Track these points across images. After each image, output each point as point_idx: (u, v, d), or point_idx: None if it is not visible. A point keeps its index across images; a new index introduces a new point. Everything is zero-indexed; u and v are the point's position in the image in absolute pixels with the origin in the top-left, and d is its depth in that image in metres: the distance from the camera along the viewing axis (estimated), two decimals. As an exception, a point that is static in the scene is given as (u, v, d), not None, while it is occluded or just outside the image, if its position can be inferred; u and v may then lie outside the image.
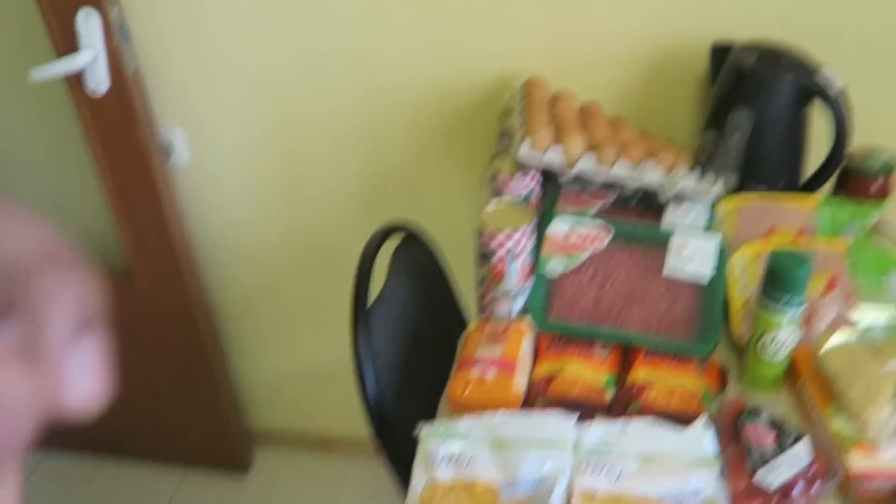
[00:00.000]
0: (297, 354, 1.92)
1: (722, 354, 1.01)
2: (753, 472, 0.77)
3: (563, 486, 0.78)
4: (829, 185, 1.24)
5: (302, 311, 1.84)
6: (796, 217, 1.15)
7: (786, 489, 0.76)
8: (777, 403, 0.85)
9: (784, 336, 0.86)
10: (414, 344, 1.15)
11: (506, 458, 0.81)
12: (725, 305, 1.01)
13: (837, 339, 0.87)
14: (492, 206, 1.08)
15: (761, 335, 0.87)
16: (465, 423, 0.86)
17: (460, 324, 1.33)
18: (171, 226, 1.63)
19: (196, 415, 1.91)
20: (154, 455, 2.05)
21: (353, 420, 1.97)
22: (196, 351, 1.78)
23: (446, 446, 0.83)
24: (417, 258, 1.25)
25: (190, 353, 1.79)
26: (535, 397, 0.92)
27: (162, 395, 1.89)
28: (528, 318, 1.04)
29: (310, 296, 1.80)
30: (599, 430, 0.85)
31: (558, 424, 0.85)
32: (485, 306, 1.07)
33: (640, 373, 0.94)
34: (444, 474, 0.81)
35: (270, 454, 2.10)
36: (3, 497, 0.32)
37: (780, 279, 0.83)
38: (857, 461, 0.77)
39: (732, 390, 0.89)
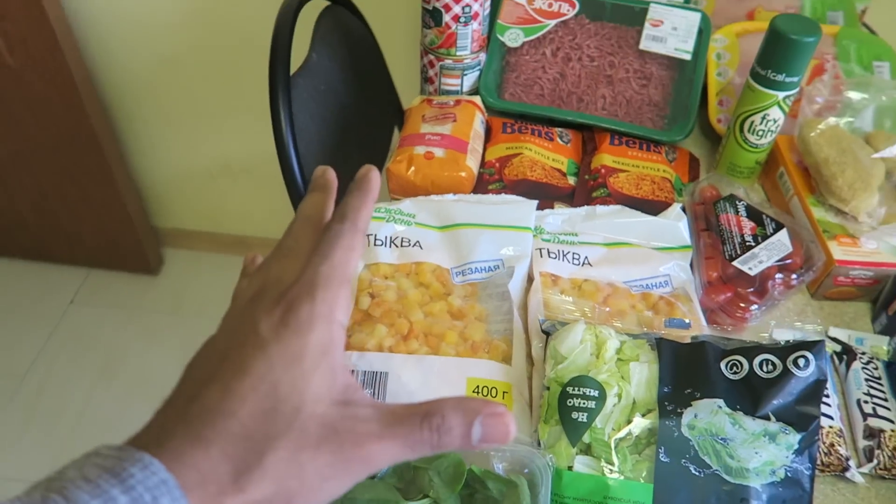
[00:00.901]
0: (207, 150, 1.71)
1: (693, 144, 0.91)
2: (728, 261, 0.70)
3: (523, 270, 0.68)
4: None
5: (210, 102, 1.60)
6: None
7: (762, 280, 0.69)
8: (752, 194, 0.77)
9: (775, 115, 0.76)
10: (344, 124, 0.99)
11: (457, 241, 0.70)
12: (702, 90, 0.89)
13: (826, 124, 0.78)
14: (442, -43, 0.88)
15: (748, 115, 0.77)
16: (409, 204, 0.73)
17: (394, 107, 1.16)
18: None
19: (94, 212, 1.71)
20: (51, 254, 1.85)
21: (270, 219, 1.83)
22: (86, 141, 1.54)
23: (387, 228, 0.71)
24: (345, 27, 1.05)
25: (79, 143, 1.55)
26: (489, 181, 0.80)
27: (50, 189, 1.66)
28: (480, 96, 0.89)
29: (219, 84, 1.56)
30: (563, 213, 0.75)
31: (517, 207, 0.73)
32: (430, 78, 0.91)
33: (606, 159, 0.83)
34: (385, 258, 0.69)
35: (182, 255, 1.96)
36: None
37: (784, 46, 0.71)
38: (840, 249, 0.71)
39: (705, 179, 0.80)
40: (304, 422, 0.29)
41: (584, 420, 0.54)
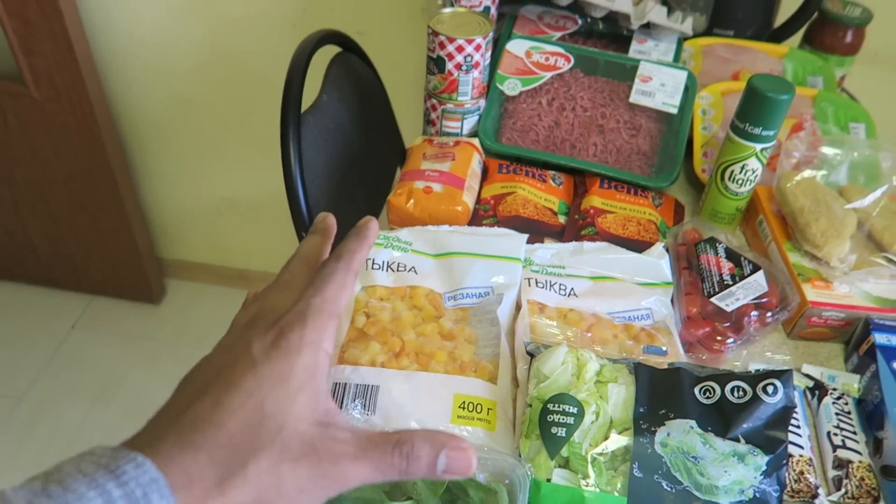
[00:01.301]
0: (216, 185, 1.77)
1: (678, 192, 0.96)
2: (707, 297, 0.74)
3: (512, 297, 0.72)
4: (798, 37, 1.18)
5: (222, 139, 1.67)
6: (764, 63, 1.09)
7: (738, 316, 0.73)
8: (732, 238, 0.81)
9: (753, 166, 0.81)
10: (350, 162, 1.04)
11: (451, 268, 0.74)
12: (687, 142, 0.95)
13: (802, 176, 0.83)
14: (448, 11, 0.95)
15: (729, 164, 0.82)
16: (406, 233, 0.77)
17: (398, 148, 1.22)
18: (70, 26, 1.40)
19: (101, 239, 1.76)
20: (56, 280, 1.89)
21: (273, 255, 1.87)
22: (100, 170, 1.60)
23: (385, 254, 0.75)
24: (354, 72, 1.12)
25: (93, 171, 1.60)
26: (483, 217, 0.85)
27: (61, 215, 1.71)
28: (479, 139, 0.95)
29: (231, 122, 1.63)
30: (552, 248, 0.79)
31: (508, 239, 0.78)
32: (432, 121, 0.97)
33: (595, 201, 0.88)
34: (382, 281, 0.73)
35: (185, 286, 2.00)
36: None
37: (760, 103, 0.77)
38: (813, 292, 0.75)
39: (689, 223, 0.85)
40: (286, 437, 0.32)
41: (563, 435, 0.57)
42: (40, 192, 1.67)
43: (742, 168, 0.81)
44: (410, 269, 0.74)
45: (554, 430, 0.57)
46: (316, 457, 0.33)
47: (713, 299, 0.73)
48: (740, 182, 0.83)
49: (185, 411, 0.32)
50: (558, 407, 0.58)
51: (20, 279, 1.92)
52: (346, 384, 0.63)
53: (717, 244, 0.79)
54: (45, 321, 1.87)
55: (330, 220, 0.45)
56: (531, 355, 0.65)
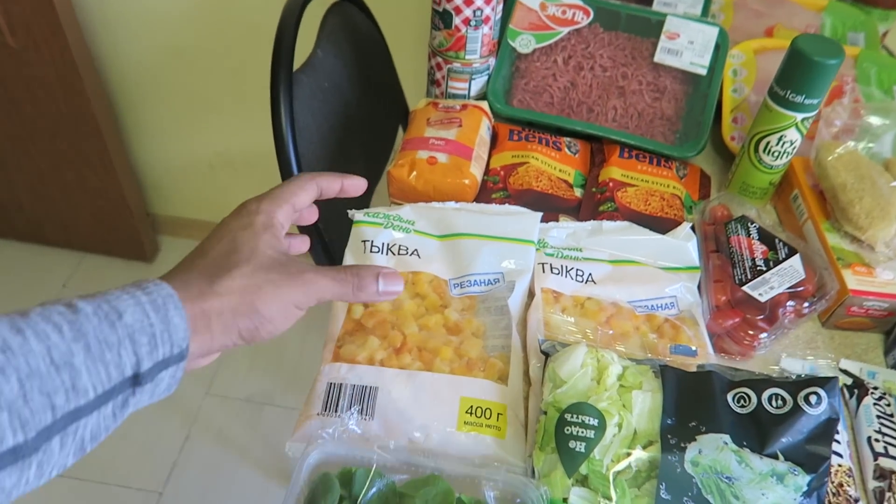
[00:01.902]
0: (209, 139, 1.69)
1: (705, 161, 0.88)
2: (738, 285, 0.67)
3: (524, 285, 0.66)
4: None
5: (214, 92, 1.58)
6: (800, 17, 1.00)
7: (772, 306, 0.66)
8: (764, 215, 0.74)
9: (792, 137, 0.73)
10: (347, 125, 0.96)
11: (457, 251, 0.67)
12: (716, 105, 0.86)
13: (844, 148, 0.76)
14: (456, -43, 0.85)
15: (764, 135, 0.74)
16: (409, 211, 0.70)
17: (400, 107, 1.13)
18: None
19: (90, 196, 1.68)
20: (45, 237, 1.83)
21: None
22: (85, 124, 1.51)
23: (385, 234, 0.68)
24: (352, 25, 1.02)
25: (77, 126, 1.52)
26: (493, 190, 0.78)
27: (47, 171, 1.63)
28: (488, 102, 0.87)
29: (224, 74, 1.53)
30: (568, 227, 0.72)
31: (521, 218, 0.71)
32: (437, 81, 0.88)
33: (615, 172, 0.80)
34: (379, 264, 0.66)
35: (179, 243, 1.94)
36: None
37: (805, 68, 0.68)
38: (854, 279, 0.68)
39: (716, 199, 0.77)
40: (259, 256, 0.43)
41: (582, 450, 0.51)
42: (24, 148, 1.59)
43: (779, 139, 0.73)
44: (413, 253, 0.67)
45: (572, 444, 0.51)
46: (284, 268, 0.43)
47: (745, 288, 0.66)
48: (776, 154, 0.75)
49: (181, 262, 0.43)
50: (577, 418, 0.52)
51: (8, 235, 1.86)
52: (341, 385, 0.57)
53: (749, 224, 0.72)
54: (35, 280, 1.82)
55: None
56: (546, 354, 0.58)
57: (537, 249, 0.69)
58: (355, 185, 0.54)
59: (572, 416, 0.52)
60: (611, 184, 0.78)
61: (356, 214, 0.70)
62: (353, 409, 0.55)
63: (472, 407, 0.57)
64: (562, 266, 0.68)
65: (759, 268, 0.68)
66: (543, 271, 0.67)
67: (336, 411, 0.56)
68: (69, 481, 1.43)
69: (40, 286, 1.81)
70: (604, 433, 0.51)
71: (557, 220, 0.74)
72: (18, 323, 0.32)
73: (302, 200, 0.49)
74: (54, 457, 0.33)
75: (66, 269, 1.85)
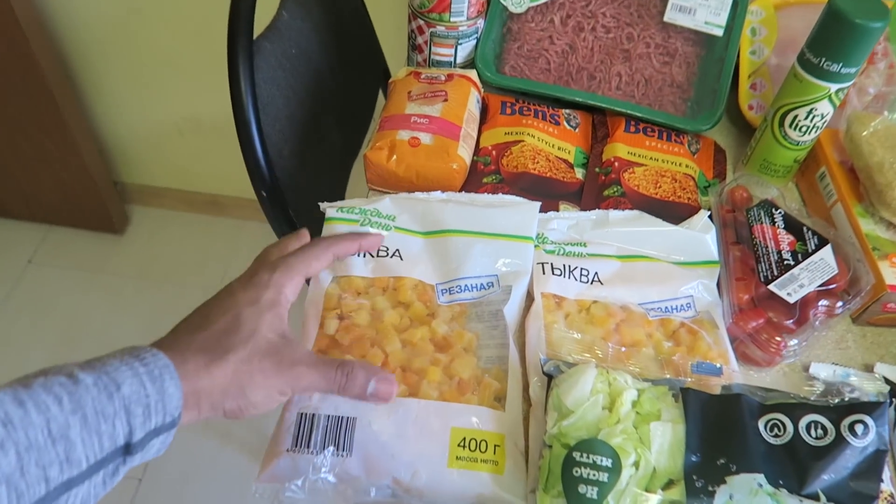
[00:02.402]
0: (174, 104, 1.57)
1: (718, 132, 0.80)
2: (764, 283, 0.59)
3: (521, 290, 0.58)
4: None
5: (176, 53, 1.45)
6: (823, -35, 0.89)
7: (802, 306, 0.59)
8: (786, 195, 0.66)
9: (824, 110, 0.64)
10: (319, 97, 0.86)
11: (445, 251, 0.59)
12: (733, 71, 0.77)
13: (881, 122, 0.67)
14: None
15: (792, 108, 0.65)
16: (389, 204, 0.62)
17: (380, 70, 1.03)
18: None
19: (49, 166, 1.57)
20: (6, 209, 1.72)
21: (245, 179, 1.70)
22: (36, 90, 1.39)
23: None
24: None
25: (28, 92, 1.40)
26: (484, 173, 0.69)
27: (0, 142, 1.51)
28: (477, 70, 0.77)
29: (186, 34, 1.41)
30: (569, 218, 0.64)
31: (517, 210, 0.62)
32: (419, 46, 0.78)
33: (620, 150, 0.72)
34: (359, 270, 0.58)
35: (150, 213, 1.83)
36: None
37: (844, 32, 0.59)
38: (892, 272, 0.61)
39: (734, 180, 0.69)
40: (257, 340, 0.43)
41: (594, 496, 0.44)
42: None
43: (809, 113, 0.65)
44: (394, 254, 0.58)
45: (582, 488, 0.44)
46: (278, 357, 0.44)
47: (772, 287, 0.59)
48: (804, 129, 0.66)
49: (182, 324, 0.44)
50: (587, 458, 0.45)
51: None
52: (314, 415, 0.49)
53: (774, 210, 0.64)
54: (-2, 255, 1.72)
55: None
56: (549, 376, 0.51)
57: (536, 246, 0.61)
58: (373, 242, 0.57)
59: (582, 456, 0.45)
60: (616, 163, 0.70)
61: (328, 210, 0.61)
62: (327, 448, 0.48)
63: (464, 439, 0.49)
64: (564, 266, 0.59)
65: (786, 262, 0.60)
66: (544, 273, 0.59)
67: (308, 447, 0.48)
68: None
69: (4, 261, 1.71)
70: (619, 476, 0.44)
71: (557, 209, 0.66)
72: (21, 395, 0.34)
73: (314, 269, 0.51)
74: None
75: (31, 243, 1.75)
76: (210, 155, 1.68)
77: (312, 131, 0.83)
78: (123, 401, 0.36)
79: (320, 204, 0.62)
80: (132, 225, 1.81)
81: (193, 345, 0.42)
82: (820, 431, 0.47)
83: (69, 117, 1.46)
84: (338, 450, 0.48)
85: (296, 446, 0.48)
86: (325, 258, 0.52)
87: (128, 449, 0.37)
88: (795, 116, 0.65)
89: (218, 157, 1.66)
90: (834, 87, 0.62)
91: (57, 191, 1.64)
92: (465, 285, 0.57)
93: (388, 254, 0.58)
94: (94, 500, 0.37)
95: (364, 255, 0.58)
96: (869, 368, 0.60)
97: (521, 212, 0.62)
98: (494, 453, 0.49)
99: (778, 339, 0.57)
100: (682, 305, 0.60)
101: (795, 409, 0.48)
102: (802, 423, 0.47)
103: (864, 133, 0.66)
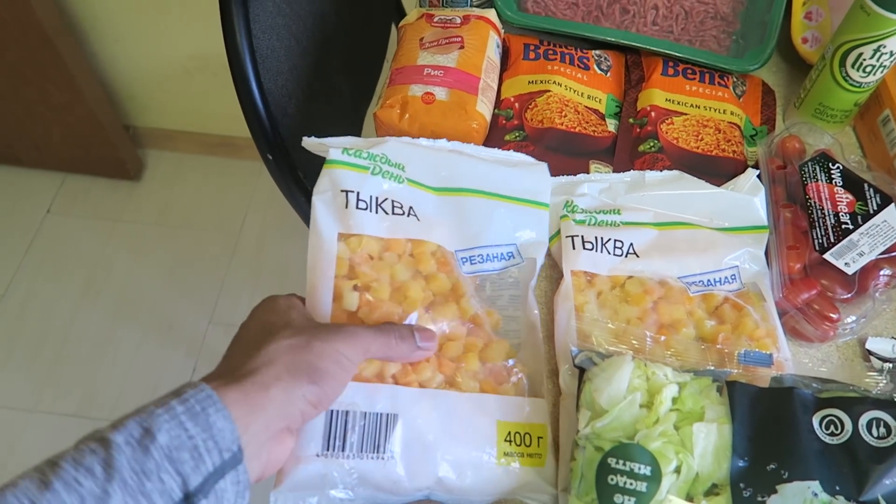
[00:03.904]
0: (180, 42, 1.49)
1: (766, 70, 0.71)
2: (819, 252, 0.53)
3: (540, 262, 0.53)
4: None
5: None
6: None
7: (861, 277, 0.53)
8: (843, 145, 0.59)
9: (893, 48, 0.56)
10: (322, 42, 0.79)
11: (462, 212, 0.53)
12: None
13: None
14: None
15: (856, 45, 0.57)
16: (395, 148, 0.53)
17: (392, 7, 0.95)
18: None
19: (56, 113, 1.52)
20: (20, 159, 1.69)
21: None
22: (33, 34, 1.32)
23: (372, 184, 0.51)
24: None
25: (26, 37, 1.33)
26: (506, 129, 0.62)
27: (5, 90, 1.46)
28: (496, 8, 0.69)
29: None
30: (601, 181, 0.58)
31: (528, 171, 0.56)
32: (431, -16, 0.70)
33: (656, 96, 0.64)
34: (372, 228, 0.50)
35: (165, 157, 1.79)
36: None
37: (923, -48, 0.51)
38: (966, 237, 0.54)
39: (787, 129, 0.62)
40: (294, 323, 0.42)
41: (632, 508, 0.40)
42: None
43: (875, 51, 0.57)
44: (409, 213, 0.51)
45: (618, 498, 0.40)
46: (324, 326, 0.43)
47: (828, 256, 0.53)
48: (870, 69, 0.58)
49: (226, 362, 0.41)
50: (624, 465, 0.41)
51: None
52: (347, 412, 0.44)
53: (831, 164, 0.57)
54: (16, 205, 1.69)
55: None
56: (580, 369, 0.46)
57: (564, 216, 0.55)
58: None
59: (617, 462, 0.41)
60: (652, 113, 0.63)
61: (331, 151, 0.51)
62: (364, 450, 0.43)
63: (510, 433, 0.46)
64: (596, 238, 0.54)
65: (844, 226, 0.54)
66: (573, 247, 0.53)
67: (343, 451, 0.43)
68: (76, 420, 1.38)
69: (24, 211, 1.69)
70: (659, 485, 0.40)
71: (588, 170, 0.60)
72: (47, 476, 0.31)
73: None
74: None
75: (48, 193, 1.72)
76: (220, 95, 1.61)
77: (318, 82, 0.77)
78: (163, 451, 0.33)
79: (304, 139, 0.53)
80: (148, 170, 1.77)
81: (233, 358, 0.40)
82: (883, 430, 0.42)
83: (69, 60, 1.40)
84: (376, 451, 0.44)
85: (328, 450, 0.43)
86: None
87: (188, 499, 0.33)
88: (860, 55, 0.57)
89: (229, 97, 1.59)
90: (907, 21, 0.54)
91: (67, 137, 1.60)
92: (488, 254, 0.52)
93: (403, 211, 0.51)
94: None
95: (377, 210, 0.50)
96: (933, 342, 0.55)
97: (533, 173, 0.56)
98: (539, 446, 0.46)
99: (833, 315, 0.52)
100: (726, 278, 0.54)
101: (855, 403, 0.43)
102: (863, 420, 0.42)
103: (939, 72, 0.58)
